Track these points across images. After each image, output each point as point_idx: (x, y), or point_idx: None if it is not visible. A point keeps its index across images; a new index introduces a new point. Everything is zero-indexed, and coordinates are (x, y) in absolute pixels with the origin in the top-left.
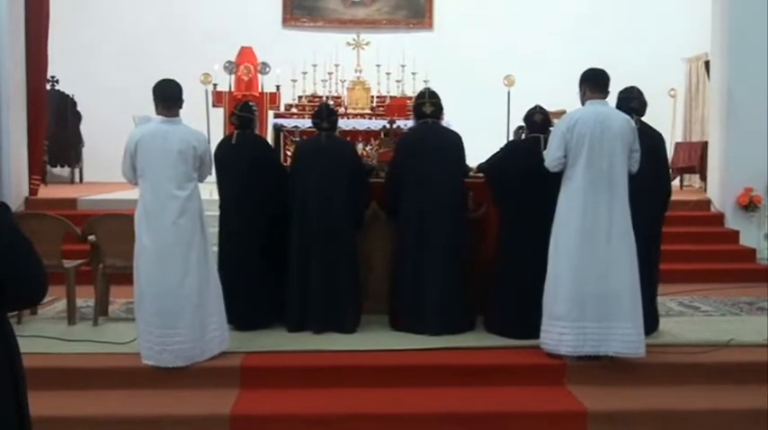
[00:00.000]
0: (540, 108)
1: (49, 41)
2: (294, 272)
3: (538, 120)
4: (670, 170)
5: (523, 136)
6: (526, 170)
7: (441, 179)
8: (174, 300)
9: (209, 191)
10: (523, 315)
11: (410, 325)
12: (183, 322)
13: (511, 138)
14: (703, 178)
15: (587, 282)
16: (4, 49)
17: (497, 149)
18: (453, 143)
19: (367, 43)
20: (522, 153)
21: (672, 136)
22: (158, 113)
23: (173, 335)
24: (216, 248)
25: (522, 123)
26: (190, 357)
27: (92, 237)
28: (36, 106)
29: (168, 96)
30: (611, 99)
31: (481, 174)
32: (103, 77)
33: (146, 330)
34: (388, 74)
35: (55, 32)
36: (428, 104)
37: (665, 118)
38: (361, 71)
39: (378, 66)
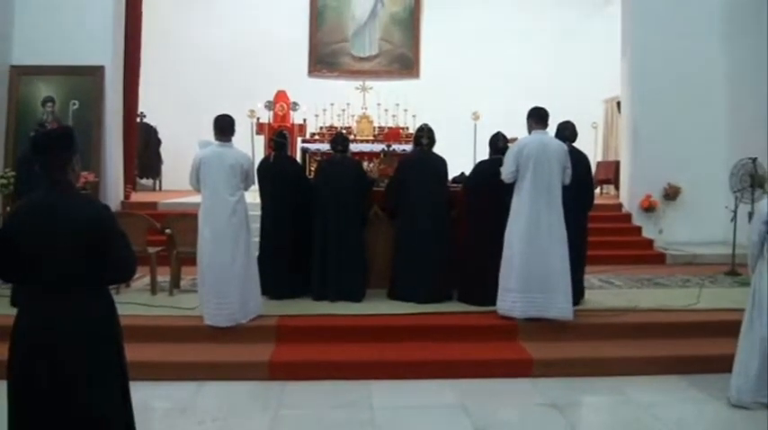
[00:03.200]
0: (503, 137)
1: (139, 89)
2: (316, 256)
3: (499, 145)
4: (593, 181)
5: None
6: (490, 181)
7: (430, 189)
8: (226, 277)
9: (252, 197)
10: (485, 288)
11: (404, 295)
12: (231, 293)
13: (479, 158)
14: (617, 188)
15: (533, 263)
16: (109, 95)
17: (471, 167)
18: (440, 165)
19: (370, 88)
20: (487, 169)
21: (594, 156)
22: (216, 139)
23: (224, 303)
24: (257, 240)
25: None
26: (236, 319)
27: (168, 230)
28: (129, 134)
29: (223, 126)
30: (551, 129)
31: (455, 184)
32: (177, 113)
33: (205, 299)
34: (386, 110)
35: (143, 82)
36: (425, 137)
37: (589, 143)
38: (366, 108)
39: (378, 104)
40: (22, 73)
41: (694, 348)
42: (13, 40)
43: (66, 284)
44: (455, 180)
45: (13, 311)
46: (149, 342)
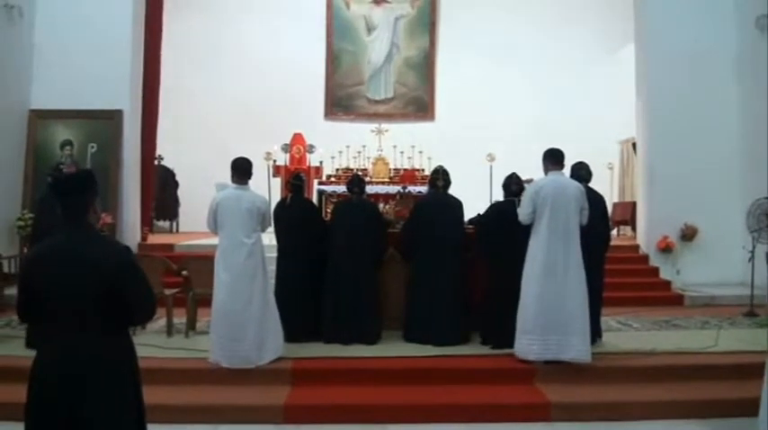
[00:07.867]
0: (517, 178)
1: (157, 132)
2: (329, 298)
3: (514, 187)
4: (610, 222)
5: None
6: (506, 223)
7: (446, 231)
8: (242, 319)
9: (268, 239)
10: (503, 330)
11: (420, 337)
12: (247, 335)
13: (495, 199)
14: (633, 229)
15: (549, 305)
16: (127, 138)
17: (485, 209)
18: (456, 206)
19: (386, 130)
20: (503, 210)
21: (610, 197)
22: (233, 182)
23: (240, 345)
24: (273, 281)
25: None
26: (252, 361)
27: (184, 272)
28: (147, 176)
29: (241, 169)
30: (566, 170)
31: (471, 226)
32: (194, 156)
33: (219, 341)
34: (401, 152)
35: (161, 126)
36: (440, 179)
37: (605, 184)
38: (381, 150)
39: (394, 146)
40: (41, 116)
41: (713, 392)
42: (32, 83)
43: (85, 326)
44: (471, 221)
45: (29, 353)
46: (164, 384)
